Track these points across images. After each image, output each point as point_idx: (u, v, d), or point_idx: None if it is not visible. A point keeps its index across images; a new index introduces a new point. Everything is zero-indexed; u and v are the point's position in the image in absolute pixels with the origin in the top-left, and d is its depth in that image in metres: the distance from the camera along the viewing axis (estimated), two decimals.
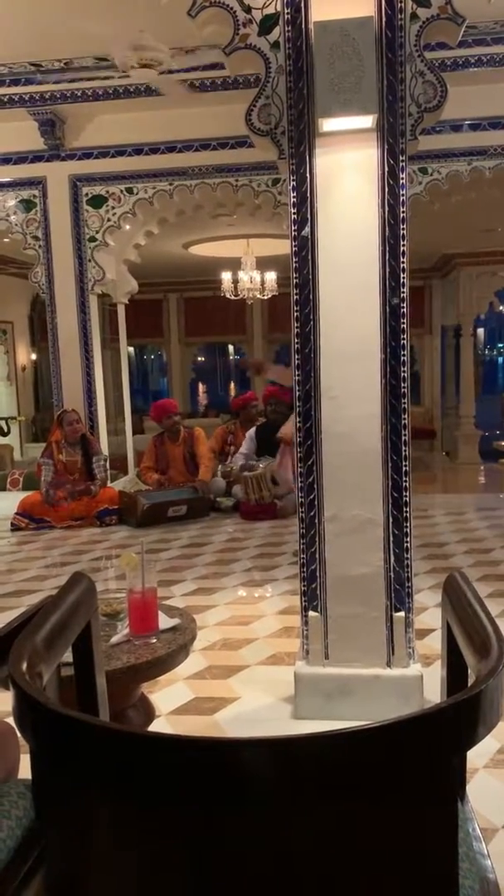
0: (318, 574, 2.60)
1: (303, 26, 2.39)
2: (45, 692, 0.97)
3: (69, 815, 1.01)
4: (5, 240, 8.16)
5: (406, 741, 0.82)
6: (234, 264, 10.33)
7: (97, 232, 6.31)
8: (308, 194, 2.48)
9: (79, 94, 5.63)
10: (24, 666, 0.99)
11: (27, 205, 6.34)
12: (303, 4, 2.38)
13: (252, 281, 10.25)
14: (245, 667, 3.10)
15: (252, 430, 6.77)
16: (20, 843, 1.19)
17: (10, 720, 1.55)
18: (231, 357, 16.44)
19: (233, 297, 10.56)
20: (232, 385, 16.41)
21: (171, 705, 2.74)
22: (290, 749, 0.83)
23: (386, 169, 2.46)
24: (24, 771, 1.38)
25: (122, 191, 6.23)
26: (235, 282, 10.38)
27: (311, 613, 2.61)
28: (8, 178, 6.31)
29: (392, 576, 2.56)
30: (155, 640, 1.96)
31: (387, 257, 2.47)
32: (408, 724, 0.82)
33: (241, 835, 0.87)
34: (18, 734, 1.38)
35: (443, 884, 0.86)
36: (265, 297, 10.77)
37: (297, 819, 0.85)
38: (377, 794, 0.85)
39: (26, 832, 1.22)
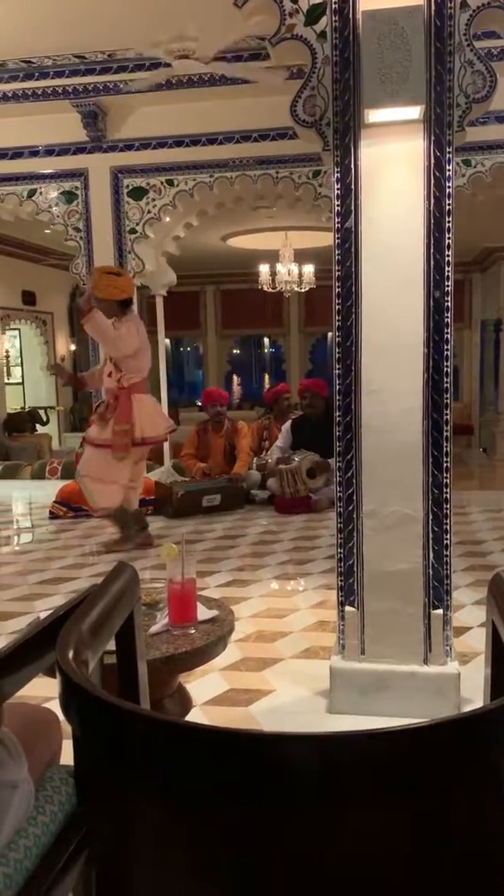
0: (355, 569, 2.58)
1: (350, 16, 2.36)
2: (90, 680, 0.98)
3: (111, 802, 1.02)
4: (46, 231, 8.25)
5: (458, 741, 0.81)
6: (272, 257, 10.31)
7: (137, 224, 6.33)
8: (352, 186, 2.46)
9: (121, 85, 5.64)
10: (71, 654, 1.00)
11: (69, 196, 6.39)
12: None
13: (290, 273, 10.22)
14: (280, 659, 3.10)
15: (288, 424, 6.77)
16: (62, 828, 1.21)
17: (51, 706, 1.58)
18: (267, 350, 16.42)
19: (270, 290, 10.54)
20: (267, 377, 16.39)
21: (205, 696, 2.75)
22: (337, 746, 0.82)
23: (432, 161, 2.42)
24: (66, 757, 1.40)
25: (162, 183, 6.24)
26: (273, 274, 10.36)
27: (348, 608, 2.60)
28: (50, 169, 6.37)
29: (430, 572, 2.53)
30: (193, 631, 1.97)
31: (431, 250, 2.44)
32: (459, 723, 0.81)
33: (283, 829, 0.87)
34: (61, 721, 1.40)
35: (490, 887, 0.85)
36: (303, 290, 10.74)
37: (343, 817, 0.85)
38: (425, 794, 0.84)
39: (68, 817, 1.23)
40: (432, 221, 2.43)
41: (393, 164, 2.45)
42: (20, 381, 12.50)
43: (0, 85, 5.62)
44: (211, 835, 0.90)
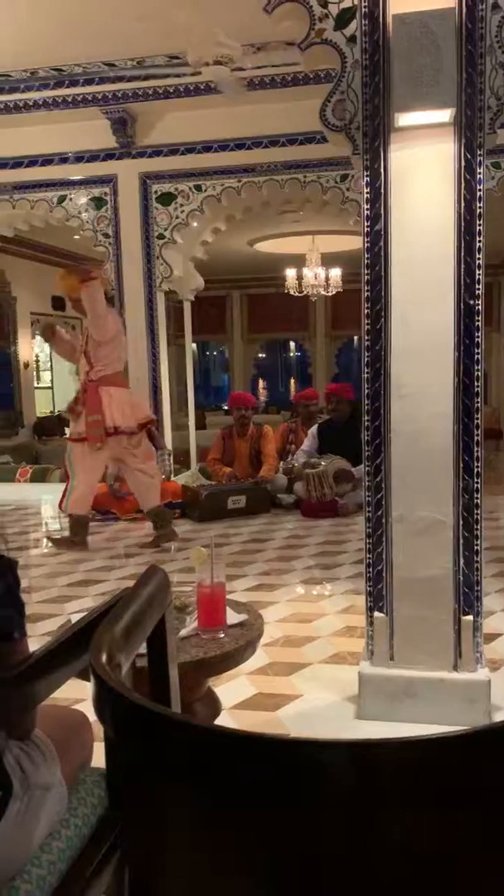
0: (384, 575, 2.57)
1: (380, 19, 2.36)
2: (124, 683, 0.98)
3: (143, 805, 1.03)
4: (76, 237, 8.36)
5: (490, 749, 0.80)
6: (299, 261, 10.31)
7: (165, 229, 6.38)
8: (382, 190, 2.45)
9: (150, 92, 5.70)
10: (104, 657, 1.01)
11: (98, 202, 6.46)
12: None
13: (317, 277, 10.21)
14: (307, 664, 3.09)
15: (314, 428, 6.75)
16: (95, 831, 1.21)
17: (82, 707, 1.59)
18: (292, 354, 16.42)
19: (296, 294, 10.54)
20: (292, 382, 16.39)
21: (233, 700, 2.75)
22: (371, 753, 0.82)
23: (463, 164, 2.41)
24: (97, 759, 1.41)
25: (190, 188, 6.28)
26: (299, 278, 10.36)
27: (377, 614, 2.59)
28: (80, 175, 6.44)
29: (461, 578, 2.51)
30: (223, 636, 1.97)
31: (462, 254, 2.42)
32: (492, 732, 0.80)
33: (315, 835, 0.86)
34: (92, 723, 1.41)
35: None
36: (329, 294, 10.72)
37: (375, 824, 0.84)
38: (457, 801, 0.83)
39: (100, 820, 1.24)
40: (463, 225, 2.42)
41: (423, 167, 2.44)
42: (49, 385, 12.63)
43: (31, 93, 5.70)
44: (243, 839, 0.90)
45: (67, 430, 5.36)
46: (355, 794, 0.82)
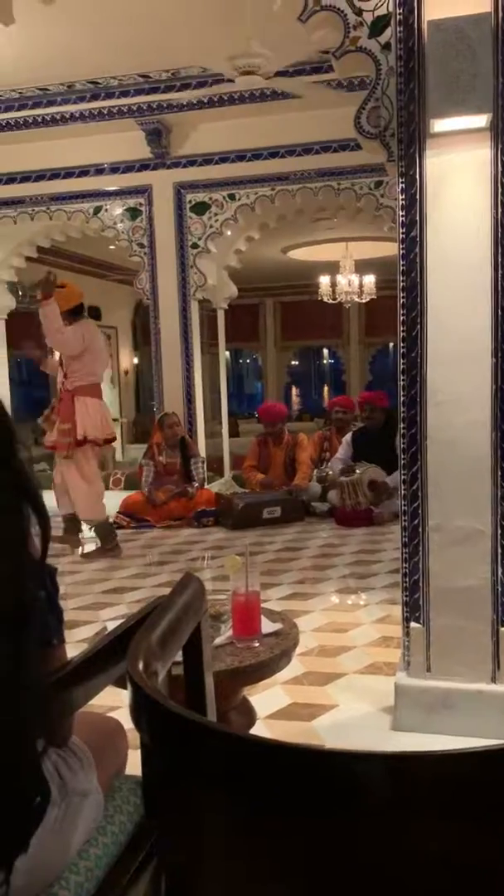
0: (421, 585, 2.54)
1: (415, 26, 2.35)
2: (161, 691, 0.99)
3: (180, 814, 1.03)
4: (111, 247, 8.46)
5: None
6: (332, 268, 10.30)
7: (199, 238, 6.42)
8: (417, 196, 2.44)
9: (184, 102, 5.75)
10: (141, 665, 1.01)
11: (133, 213, 6.53)
12: (416, 4, 2.34)
13: (350, 284, 10.18)
14: (343, 674, 3.07)
15: (348, 436, 6.71)
16: (131, 838, 1.21)
17: (116, 715, 1.59)
18: (326, 361, 16.38)
19: (330, 301, 10.52)
20: (326, 389, 16.35)
21: (268, 709, 2.74)
22: (409, 765, 0.81)
23: (499, 169, 2.38)
24: (132, 766, 1.41)
25: (224, 197, 6.32)
26: (333, 285, 10.34)
27: (414, 625, 2.56)
28: (115, 186, 6.52)
29: (499, 589, 2.47)
30: (258, 645, 1.96)
31: (499, 259, 2.40)
32: None
33: (352, 846, 0.85)
34: (127, 731, 1.42)
35: None
36: (363, 301, 10.68)
37: (413, 837, 0.83)
38: (496, 816, 0.81)
39: (137, 827, 1.24)
40: (499, 230, 2.39)
41: (459, 173, 2.42)
42: None
43: (68, 106, 5.79)
44: (279, 847, 0.89)
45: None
46: (392, 806, 0.81)
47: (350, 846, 0.85)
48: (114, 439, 5.74)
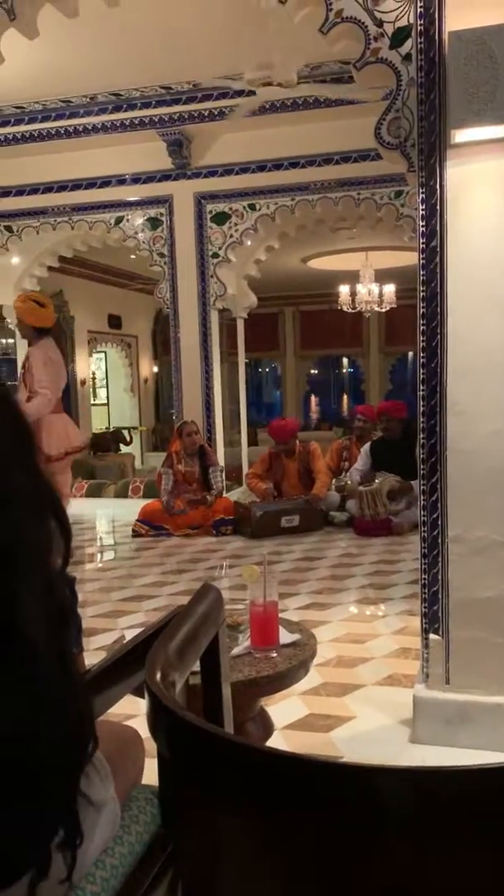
0: (440, 596, 2.52)
1: (436, 37, 2.35)
2: (178, 702, 0.99)
3: (196, 825, 1.02)
4: (132, 256, 8.51)
5: None
6: (352, 277, 10.29)
7: (220, 248, 6.45)
8: (437, 206, 2.43)
9: (205, 113, 5.79)
10: (159, 675, 1.01)
11: (154, 223, 6.58)
12: (437, 15, 2.34)
13: (370, 293, 10.17)
14: (361, 686, 3.05)
15: (367, 446, 6.67)
16: (147, 849, 1.21)
17: (133, 723, 1.59)
18: (345, 370, 16.35)
19: (350, 310, 10.52)
20: (345, 398, 16.31)
21: (285, 720, 2.73)
22: (431, 781, 0.80)
23: None
24: (148, 775, 1.41)
25: (244, 207, 6.35)
26: (353, 294, 10.34)
27: (433, 636, 2.54)
28: (136, 196, 6.58)
29: None
30: (275, 655, 1.96)
31: None
32: None
33: (372, 861, 0.85)
34: (143, 739, 1.42)
35: None
36: (383, 310, 10.66)
37: (434, 853, 0.82)
38: None
39: (153, 837, 1.24)
40: None
41: (479, 183, 2.41)
42: (105, 402, 12.86)
43: (90, 117, 5.85)
44: (297, 862, 0.89)
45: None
46: (412, 823, 0.80)
47: (369, 862, 0.84)
48: (83, 448, 5.63)
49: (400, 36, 2.45)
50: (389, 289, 10.21)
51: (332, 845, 0.85)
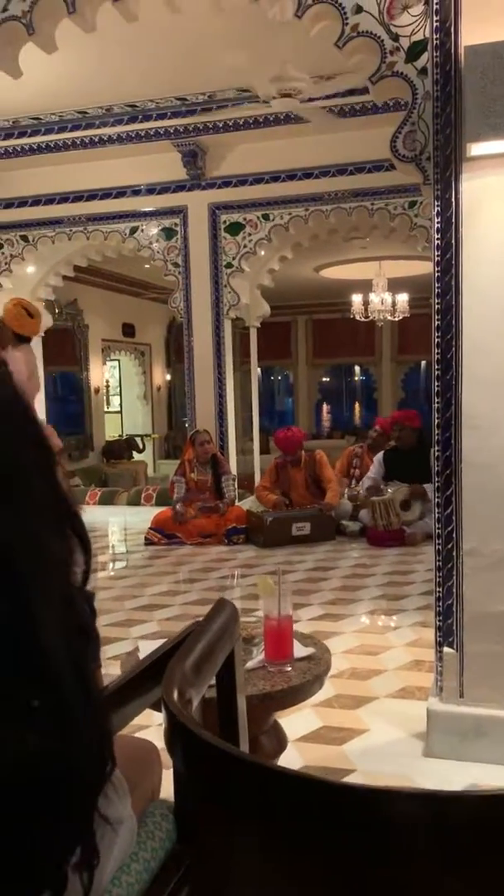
0: (454, 609, 2.51)
1: (452, 51, 2.36)
2: (196, 720, 0.99)
3: (213, 842, 1.02)
4: (146, 266, 8.56)
5: None
6: (365, 286, 10.29)
7: (233, 258, 6.47)
8: (453, 219, 2.44)
9: (220, 124, 5.82)
10: (176, 693, 1.01)
11: (168, 233, 6.61)
12: (453, 29, 2.35)
13: (383, 302, 10.16)
14: (374, 698, 3.03)
15: (380, 455, 6.65)
16: (163, 865, 1.21)
17: (148, 734, 1.59)
18: (357, 378, 16.34)
19: (362, 319, 10.51)
20: (357, 406, 16.29)
21: (298, 732, 2.72)
22: (448, 805, 0.80)
23: None
24: (165, 789, 1.41)
25: (258, 217, 6.37)
26: (366, 303, 10.33)
27: (447, 650, 2.53)
28: (151, 207, 6.62)
29: None
30: (289, 669, 1.95)
31: None
32: None
33: (388, 884, 0.84)
34: (161, 750, 1.42)
35: None
36: (396, 319, 10.65)
37: (452, 878, 0.82)
38: None
39: (169, 854, 1.24)
40: None
41: (495, 196, 2.41)
42: (118, 409, 12.90)
43: (106, 128, 5.90)
44: (311, 882, 0.88)
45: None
46: (427, 848, 0.80)
47: (383, 885, 0.84)
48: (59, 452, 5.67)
49: (416, 50, 2.46)
50: (402, 298, 10.19)
51: (346, 867, 0.85)
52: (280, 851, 0.90)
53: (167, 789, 1.34)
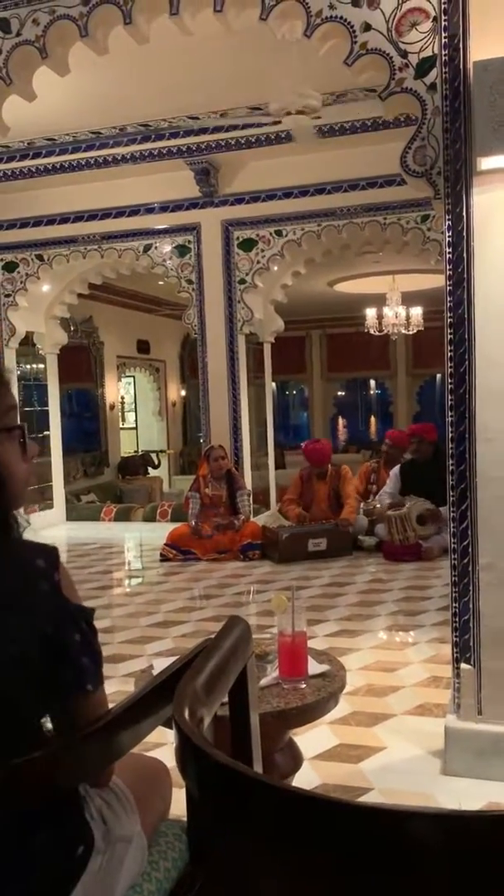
0: (471, 625, 2.48)
1: (461, 66, 2.36)
2: (208, 740, 0.98)
3: (226, 863, 1.01)
4: (160, 283, 8.62)
5: None
6: (379, 300, 10.31)
7: (247, 274, 6.51)
8: (464, 233, 2.43)
9: (232, 142, 5.87)
10: (187, 712, 1.00)
11: (182, 250, 6.66)
12: (461, 45, 2.36)
13: (397, 316, 10.16)
14: (391, 715, 3.00)
15: (396, 469, 6.62)
16: (175, 885, 1.20)
17: (159, 752, 1.59)
18: (373, 392, 16.32)
19: (376, 333, 10.51)
20: (373, 419, 16.26)
21: (315, 750, 2.69)
22: (463, 826, 0.78)
23: None
24: (176, 808, 1.40)
25: (271, 233, 6.41)
26: (380, 317, 10.34)
27: (464, 666, 2.50)
28: (165, 224, 6.67)
29: None
30: (304, 686, 1.94)
31: None
32: None
33: None
34: (171, 768, 1.41)
35: None
36: (410, 333, 10.65)
37: None
38: None
39: (181, 874, 1.23)
40: None
41: None
42: (133, 425, 12.96)
43: (120, 148, 5.97)
44: None
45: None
46: (444, 867, 0.79)
47: None
48: None
49: (424, 66, 2.48)
50: (416, 311, 10.19)
51: (361, 889, 0.84)
52: (294, 873, 0.89)
53: (180, 809, 1.33)
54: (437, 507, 5.90)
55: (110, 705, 1.16)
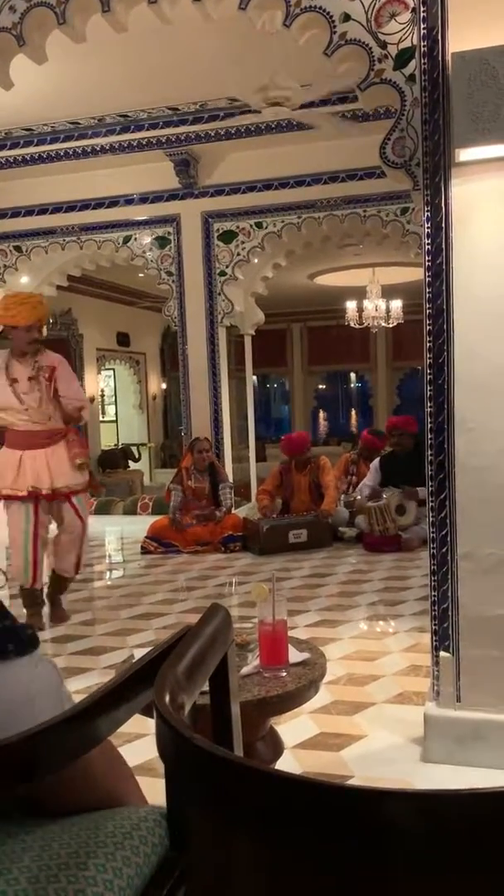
0: (450, 613, 2.51)
1: (440, 57, 2.37)
2: (187, 725, 0.98)
3: (206, 848, 1.02)
4: (140, 275, 8.58)
5: None
6: (359, 293, 10.33)
7: (227, 266, 6.49)
8: (443, 224, 2.45)
9: (212, 133, 5.85)
10: (167, 698, 1.01)
11: (162, 242, 6.63)
12: (440, 36, 2.37)
13: (377, 309, 10.20)
14: (371, 704, 3.03)
15: (376, 461, 6.66)
16: (156, 871, 1.21)
17: (142, 743, 1.59)
18: (353, 385, 16.37)
19: (357, 326, 10.55)
20: (353, 413, 16.32)
21: (296, 739, 2.71)
22: (440, 804, 0.79)
23: None
24: (158, 796, 1.40)
25: (251, 225, 6.40)
26: (360, 310, 10.37)
27: (443, 654, 2.52)
28: (144, 216, 6.63)
29: None
30: (285, 674, 1.95)
31: None
32: None
33: (383, 886, 0.84)
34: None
35: None
36: (390, 325, 10.69)
37: (445, 880, 0.81)
38: None
39: (161, 860, 1.23)
40: None
41: (485, 200, 2.43)
42: (114, 419, 12.90)
43: (98, 139, 5.92)
44: (308, 887, 0.88)
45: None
46: (424, 848, 0.79)
47: (379, 887, 0.83)
48: None
49: (403, 57, 2.48)
50: (396, 304, 10.23)
51: (341, 869, 0.85)
52: (274, 855, 0.90)
53: (160, 799, 1.33)
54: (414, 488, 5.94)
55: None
